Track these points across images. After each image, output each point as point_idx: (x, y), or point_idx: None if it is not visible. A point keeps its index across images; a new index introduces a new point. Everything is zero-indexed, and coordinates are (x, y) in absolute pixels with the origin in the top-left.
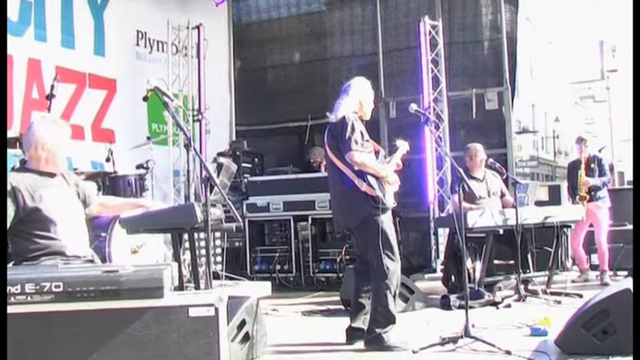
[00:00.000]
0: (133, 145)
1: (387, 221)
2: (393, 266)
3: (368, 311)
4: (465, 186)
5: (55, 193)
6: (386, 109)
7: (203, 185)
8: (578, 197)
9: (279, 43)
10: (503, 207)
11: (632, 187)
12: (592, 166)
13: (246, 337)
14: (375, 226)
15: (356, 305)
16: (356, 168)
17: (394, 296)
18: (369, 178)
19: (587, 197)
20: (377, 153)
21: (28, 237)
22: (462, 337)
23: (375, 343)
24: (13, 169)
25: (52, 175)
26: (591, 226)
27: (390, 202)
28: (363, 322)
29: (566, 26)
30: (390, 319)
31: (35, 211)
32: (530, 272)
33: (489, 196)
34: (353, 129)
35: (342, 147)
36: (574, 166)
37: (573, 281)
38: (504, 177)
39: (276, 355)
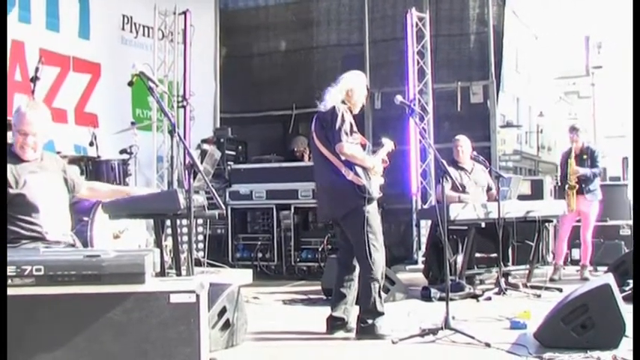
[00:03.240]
0: (116, 129)
1: (373, 212)
2: (378, 256)
3: (349, 301)
4: (448, 178)
5: (40, 178)
6: (371, 99)
7: (186, 171)
8: (567, 186)
9: (265, 31)
10: (488, 201)
11: (614, 183)
12: (584, 157)
13: (227, 325)
14: (362, 216)
15: (337, 295)
16: (343, 158)
17: (380, 287)
18: (356, 167)
19: (576, 187)
20: (364, 146)
21: (11, 220)
22: (441, 328)
23: (368, 332)
24: None
25: (37, 160)
26: (578, 221)
27: (376, 192)
28: (343, 311)
29: (552, 21)
30: (381, 309)
31: (19, 196)
32: (510, 265)
33: (475, 187)
34: (343, 120)
35: (332, 137)
36: (565, 156)
37: (551, 279)
38: (488, 170)
39: (257, 342)
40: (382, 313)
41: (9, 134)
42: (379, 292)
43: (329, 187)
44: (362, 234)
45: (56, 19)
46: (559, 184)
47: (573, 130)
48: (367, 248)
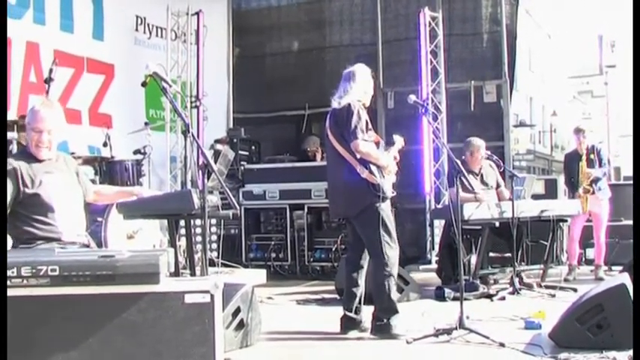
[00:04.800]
0: (130, 130)
1: (387, 210)
2: (393, 254)
3: (360, 300)
4: (463, 179)
5: (56, 178)
6: (384, 99)
7: (200, 172)
8: (582, 189)
9: (278, 31)
10: (498, 199)
11: (628, 182)
12: (592, 157)
13: (241, 325)
14: (376, 214)
15: (348, 294)
16: (359, 156)
17: (394, 284)
18: (371, 165)
19: (590, 189)
20: (377, 144)
21: (26, 221)
22: (456, 328)
23: (383, 331)
24: (13, 154)
25: (51, 159)
26: (589, 221)
27: (389, 191)
28: (356, 311)
29: (565, 20)
30: (395, 307)
31: (34, 196)
32: (524, 265)
33: (487, 188)
34: (359, 117)
35: (348, 135)
36: (572, 158)
37: (565, 280)
38: (501, 170)
39: (271, 342)
40: (397, 311)
41: (15, 134)
42: (392, 289)
43: (343, 184)
44: (376, 232)
45: (70, 20)
46: (565, 188)
47: (579, 131)
48: (381, 246)
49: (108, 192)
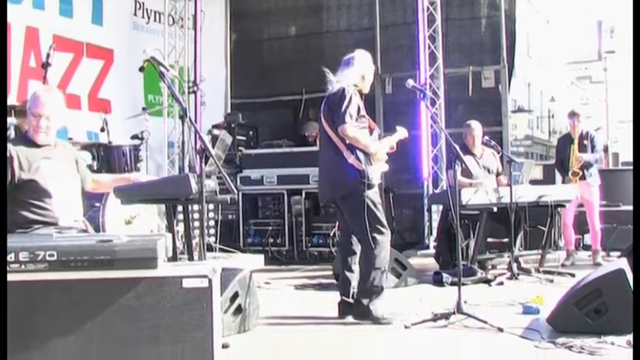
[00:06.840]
0: (129, 115)
1: (372, 196)
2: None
3: (355, 284)
4: (461, 163)
5: (53, 164)
6: (382, 84)
7: (198, 156)
8: (571, 173)
9: (275, 16)
10: (497, 186)
11: (626, 168)
12: (585, 142)
13: (239, 310)
14: (361, 201)
15: (344, 279)
16: (347, 141)
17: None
18: (358, 151)
19: (580, 173)
20: (371, 130)
21: (23, 205)
22: (454, 313)
23: (363, 315)
24: (12, 138)
25: (50, 145)
26: (581, 205)
27: (376, 179)
28: (353, 295)
29: (564, 5)
30: (376, 291)
31: (31, 181)
32: (522, 250)
33: (487, 173)
34: (350, 102)
35: (337, 119)
36: (565, 142)
37: (563, 265)
38: (500, 154)
39: (269, 327)
40: (377, 294)
41: (14, 120)
42: (377, 274)
43: (329, 168)
44: (361, 219)
45: (69, 5)
46: (556, 168)
47: (574, 115)
48: (368, 233)
49: (106, 180)
